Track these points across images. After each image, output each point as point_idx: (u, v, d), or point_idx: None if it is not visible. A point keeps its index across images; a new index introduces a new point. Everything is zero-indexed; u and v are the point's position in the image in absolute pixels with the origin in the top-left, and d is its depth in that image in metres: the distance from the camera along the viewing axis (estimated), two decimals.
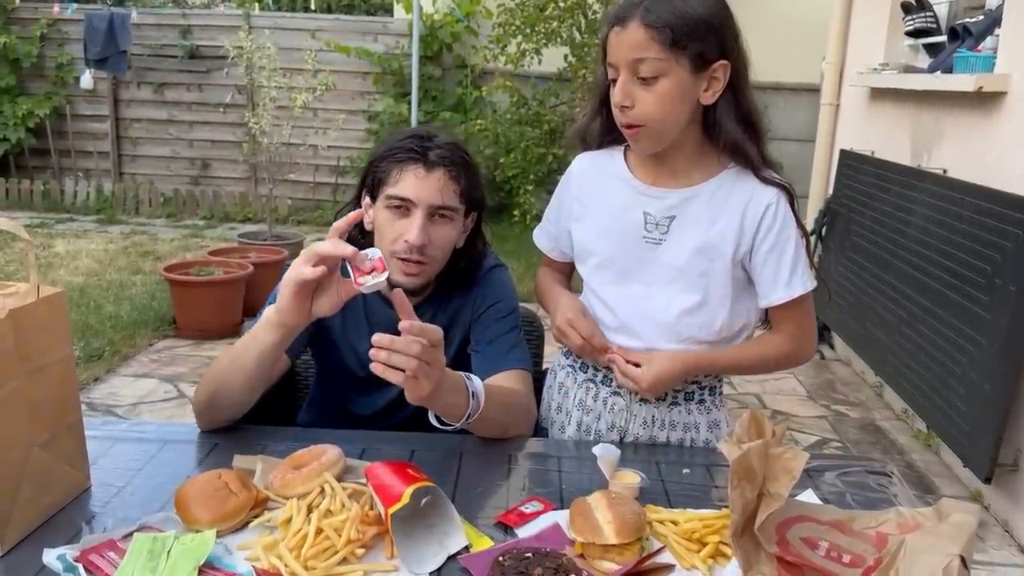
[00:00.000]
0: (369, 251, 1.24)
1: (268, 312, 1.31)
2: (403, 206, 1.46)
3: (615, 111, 1.41)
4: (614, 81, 1.39)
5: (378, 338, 1.19)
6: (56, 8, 7.72)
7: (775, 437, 1.01)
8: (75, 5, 7.65)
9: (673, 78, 1.35)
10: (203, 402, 1.41)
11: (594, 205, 1.55)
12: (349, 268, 1.24)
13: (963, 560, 0.88)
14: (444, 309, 1.61)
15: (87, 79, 7.65)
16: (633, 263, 1.50)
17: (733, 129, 1.41)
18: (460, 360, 1.59)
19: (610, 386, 1.57)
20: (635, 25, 1.33)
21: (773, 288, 1.47)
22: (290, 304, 1.26)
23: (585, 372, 1.61)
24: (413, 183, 1.45)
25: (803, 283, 1.46)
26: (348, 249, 1.21)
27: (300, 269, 1.22)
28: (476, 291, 1.62)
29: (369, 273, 1.22)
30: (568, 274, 1.71)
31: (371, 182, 1.52)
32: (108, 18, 7.30)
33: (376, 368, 1.19)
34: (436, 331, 1.23)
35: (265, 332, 1.31)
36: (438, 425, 1.34)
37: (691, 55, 1.35)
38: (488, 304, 1.61)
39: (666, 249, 1.47)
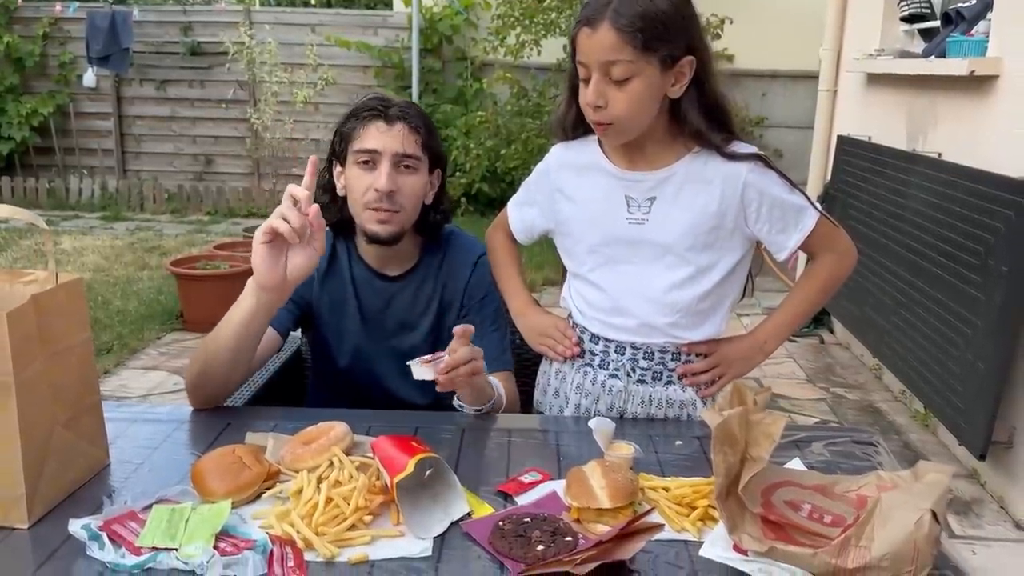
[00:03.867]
0: (443, 354, 1.39)
1: (249, 281, 1.39)
2: (370, 159, 1.56)
3: (585, 109, 1.45)
4: (585, 81, 1.43)
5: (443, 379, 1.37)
6: (58, 7, 7.78)
7: (756, 405, 1.07)
8: (77, 4, 7.70)
9: (644, 78, 1.39)
10: (194, 378, 1.49)
11: (577, 196, 1.60)
12: (412, 365, 1.38)
13: (934, 514, 0.94)
14: (434, 279, 1.70)
15: (90, 77, 7.72)
16: (621, 245, 1.55)
17: (697, 120, 1.47)
18: (440, 324, 1.69)
19: (607, 369, 1.62)
20: (605, 27, 1.36)
21: (787, 238, 1.53)
22: (262, 260, 1.33)
23: (582, 356, 1.66)
24: (376, 135, 1.56)
25: (811, 215, 1.53)
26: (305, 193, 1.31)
27: (271, 217, 1.30)
28: (470, 274, 1.71)
29: (429, 363, 1.36)
30: (519, 252, 1.80)
31: (339, 145, 1.62)
32: (110, 16, 7.36)
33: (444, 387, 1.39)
34: (468, 351, 1.39)
35: (245, 299, 1.39)
36: (459, 405, 1.48)
37: (660, 56, 1.39)
38: (481, 295, 1.70)
39: (650, 228, 1.53)
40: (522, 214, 1.72)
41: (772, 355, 1.70)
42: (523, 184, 1.73)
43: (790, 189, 1.52)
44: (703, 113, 1.47)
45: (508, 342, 1.74)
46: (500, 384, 1.57)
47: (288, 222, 1.29)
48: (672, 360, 1.59)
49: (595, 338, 1.62)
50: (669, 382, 1.60)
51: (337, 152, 1.63)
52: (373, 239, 1.61)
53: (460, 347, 1.38)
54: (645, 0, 1.36)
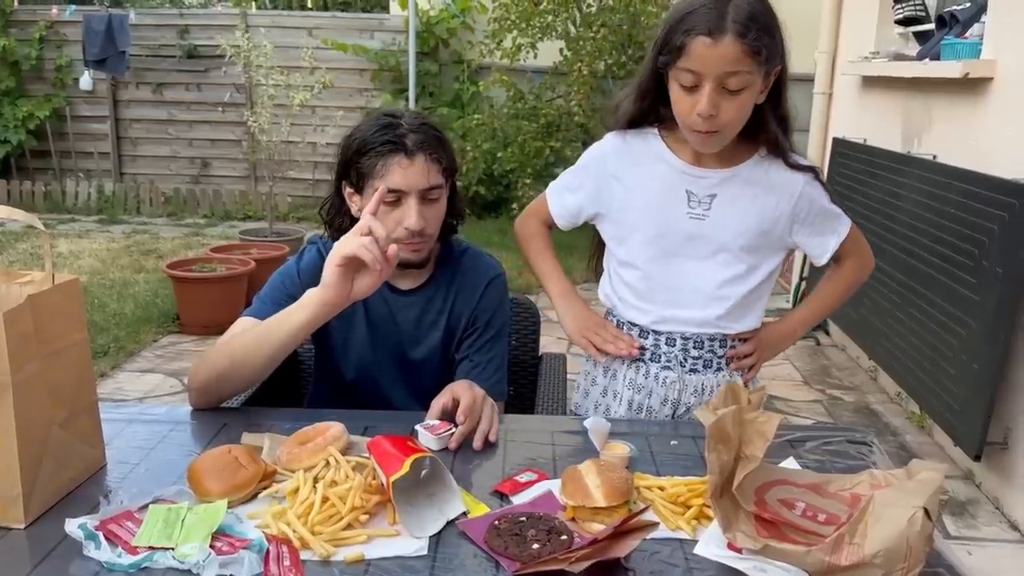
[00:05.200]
0: (451, 425, 1.38)
1: (309, 293, 1.39)
2: (395, 198, 1.53)
3: (689, 117, 1.44)
4: (688, 88, 1.42)
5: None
6: (55, 10, 7.77)
7: (750, 404, 1.07)
8: (73, 7, 7.70)
9: (754, 87, 1.43)
10: (207, 381, 1.48)
11: (634, 184, 1.61)
12: (420, 430, 1.38)
13: (927, 512, 0.94)
14: (444, 295, 1.68)
15: (86, 80, 7.71)
16: (679, 239, 1.58)
17: (774, 127, 1.52)
18: (447, 340, 1.68)
19: (659, 362, 1.65)
20: (729, 40, 1.36)
21: (826, 243, 1.63)
22: (335, 279, 1.34)
23: (634, 356, 1.67)
24: (399, 174, 1.51)
25: (845, 223, 1.63)
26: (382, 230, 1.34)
27: (356, 242, 1.31)
28: (480, 295, 1.69)
29: (436, 435, 1.36)
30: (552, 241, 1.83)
31: (355, 176, 1.57)
32: (106, 19, 7.36)
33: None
34: (470, 398, 1.40)
35: (301, 311, 1.39)
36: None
37: (769, 66, 1.42)
38: (487, 318, 1.69)
39: (709, 225, 1.57)
40: (565, 200, 1.73)
41: None
42: (567, 171, 1.74)
43: (830, 199, 1.60)
44: (777, 119, 1.51)
45: (505, 369, 1.72)
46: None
47: (372, 253, 1.30)
48: (720, 347, 1.64)
49: (644, 332, 1.65)
50: (719, 368, 1.65)
51: (353, 180, 1.58)
52: (405, 265, 1.60)
53: (471, 418, 1.39)
54: (760, 12, 1.39)
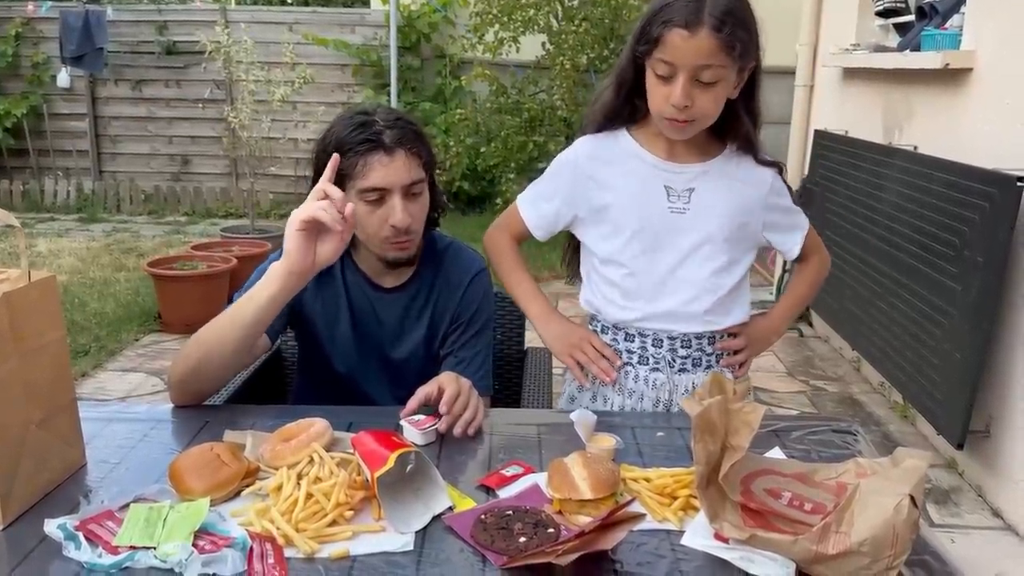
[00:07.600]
0: (438, 427, 1.37)
1: (272, 266, 1.38)
2: (379, 196, 1.51)
3: (662, 106, 1.45)
4: (663, 78, 1.43)
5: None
6: (31, 7, 7.68)
7: (735, 395, 1.07)
8: (50, 3, 7.60)
9: (728, 81, 1.44)
10: (185, 374, 1.46)
11: (613, 184, 1.59)
12: (405, 424, 1.37)
13: (912, 499, 0.94)
14: (427, 291, 1.67)
15: (64, 77, 7.63)
16: (663, 233, 1.58)
17: (746, 122, 1.54)
18: (431, 336, 1.67)
19: (647, 364, 1.63)
20: (705, 33, 1.37)
21: (794, 240, 1.68)
22: (297, 245, 1.33)
23: (619, 357, 1.65)
24: (381, 172, 1.49)
25: (805, 220, 1.69)
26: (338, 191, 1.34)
27: (313, 206, 1.31)
28: (464, 291, 1.68)
29: (421, 429, 1.35)
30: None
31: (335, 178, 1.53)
32: (83, 16, 7.27)
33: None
34: (454, 388, 1.39)
35: (269, 284, 1.37)
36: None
37: (744, 61, 1.44)
38: (470, 314, 1.68)
39: (691, 218, 1.57)
40: (540, 209, 1.68)
41: None
42: (537, 181, 1.70)
43: (791, 198, 1.64)
44: (749, 114, 1.53)
45: (490, 364, 1.71)
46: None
47: (330, 213, 1.31)
48: (708, 344, 1.64)
49: (630, 336, 1.63)
50: (708, 367, 1.65)
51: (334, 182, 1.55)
52: (395, 264, 1.59)
53: (456, 408, 1.38)
54: (737, 7, 1.40)
